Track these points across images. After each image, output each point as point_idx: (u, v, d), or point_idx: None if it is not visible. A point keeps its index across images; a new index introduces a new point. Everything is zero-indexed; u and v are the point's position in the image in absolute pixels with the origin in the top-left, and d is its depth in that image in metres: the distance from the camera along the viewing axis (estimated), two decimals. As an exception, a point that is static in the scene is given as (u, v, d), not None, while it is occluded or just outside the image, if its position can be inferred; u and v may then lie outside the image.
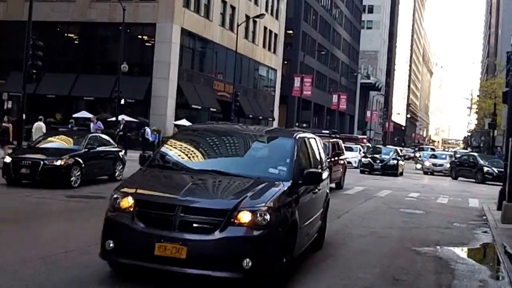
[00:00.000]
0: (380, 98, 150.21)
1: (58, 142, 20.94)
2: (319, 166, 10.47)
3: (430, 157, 52.11)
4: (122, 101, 44.90)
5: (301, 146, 9.40)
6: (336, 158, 24.55)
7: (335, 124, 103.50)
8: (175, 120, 50.23)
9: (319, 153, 10.91)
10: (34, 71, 28.80)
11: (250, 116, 66.42)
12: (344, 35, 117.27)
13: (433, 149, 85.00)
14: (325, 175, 10.88)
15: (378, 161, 40.76)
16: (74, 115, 49.54)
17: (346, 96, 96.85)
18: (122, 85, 44.96)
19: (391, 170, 40.25)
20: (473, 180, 38.57)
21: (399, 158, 43.63)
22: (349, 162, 38.90)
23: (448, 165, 46.60)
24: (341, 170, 25.34)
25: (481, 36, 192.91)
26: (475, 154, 47.93)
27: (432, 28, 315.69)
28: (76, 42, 53.62)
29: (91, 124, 37.32)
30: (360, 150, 50.13)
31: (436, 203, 22.44)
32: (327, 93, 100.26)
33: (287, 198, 8.05)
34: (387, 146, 67.12)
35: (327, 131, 63.23)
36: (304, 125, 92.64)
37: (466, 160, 43.59)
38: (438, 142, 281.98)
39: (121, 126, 39.52)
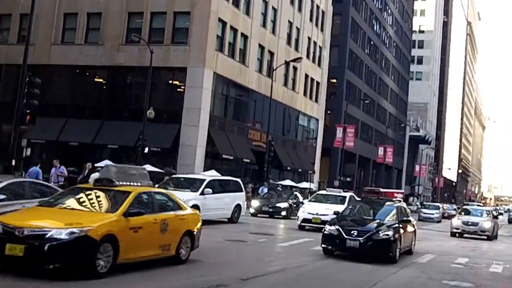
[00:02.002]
0: (430, 152, 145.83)
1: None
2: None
3: (460, 213, 39.88)
4: (146, 150, 42.44)
5: None
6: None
7: (381, 178, 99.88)
8: (204, 171, 47.38)
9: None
10: (28, 110, 25.77)
11: (289, 168, 63.28)
12: (392, 86, 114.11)
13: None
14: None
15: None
16: (97, 164, 47.18)
17: (392, 148, 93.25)
18: (148, 133, 42.78)
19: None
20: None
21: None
22: None
23: (488, 224, 35.73)
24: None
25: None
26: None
27: (484, 82, 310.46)
28: (103, 87, 51.43)
29: (52, 170, 34.25)
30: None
31: (489, 272, 18.82)
32: (373, 146, 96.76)
33: None
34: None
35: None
36: (348, 179, 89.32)
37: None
38: (491, 199, 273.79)
39: (86, 172, 36.25)
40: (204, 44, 47.27)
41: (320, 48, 73.17)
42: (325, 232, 19.01)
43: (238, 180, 32.64)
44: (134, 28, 48.97)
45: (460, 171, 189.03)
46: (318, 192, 38.98)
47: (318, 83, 73.01)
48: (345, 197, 31.28)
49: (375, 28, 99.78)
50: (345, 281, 14.79)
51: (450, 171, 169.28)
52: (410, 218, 22.00)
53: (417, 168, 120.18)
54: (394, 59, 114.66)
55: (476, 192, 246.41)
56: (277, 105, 60.44)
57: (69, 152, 49.19)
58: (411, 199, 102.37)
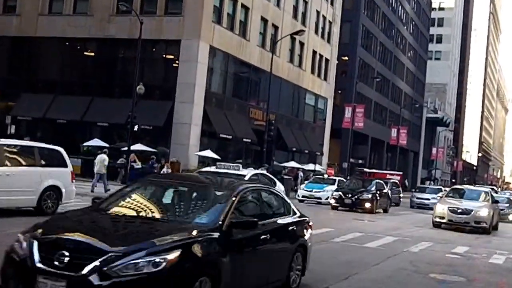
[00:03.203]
0: (448, 134, 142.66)
1: None
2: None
3: (447, 196, 29.99)
4: (136, 128, 40.28)
5: None
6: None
7: (396, 161, 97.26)
8: (200, 151, 45.33)
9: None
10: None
11: (294, 149, 60.93)
12: (408, 65, 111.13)
13: (494, 190, 58.92)
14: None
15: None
16: (85, 144, 45.31)
17: (406, 130, 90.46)
18: (139, 110, 40.63)
19: None
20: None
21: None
22: None
23: (485, 212, 26.47)
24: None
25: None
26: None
27: (508, 63, 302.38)
28: (93, 61, 49.20)
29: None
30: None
31: (488, 263, 16.51)
32: (387, 127, 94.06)
33: None
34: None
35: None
36: (360, 161, 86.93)
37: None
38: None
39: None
40: (199, 15, 44.98)
41: (330, 23, 70.51)
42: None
43: (59, 149, 19.77)
44: (126, -3, 46.70)
45: (480, 154, 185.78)
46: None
47: (327, 60, 70.46)
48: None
49: (391, 4, 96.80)
50: (322, 274, 12.59)
51: (470, 154, 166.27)
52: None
53: (434, 151, 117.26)
54: (411, 37, 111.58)
55: (498, 176, 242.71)
56: (282, 83, 58.11)
57: (57, 130, 47.37)
58: (427, 183, 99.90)
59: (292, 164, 56.94)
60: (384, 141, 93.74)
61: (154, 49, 47.39)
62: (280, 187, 24.85)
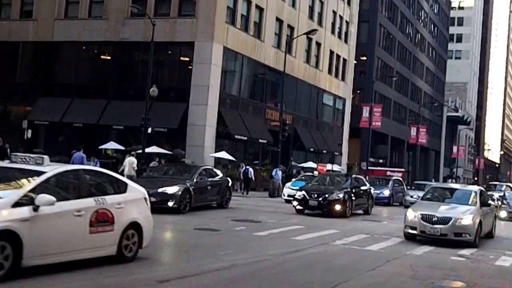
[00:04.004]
0: (469, 133, 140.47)
1: None
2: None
3: (423, 199, 21.63)
4: (149, 130, 39.51)
5: None
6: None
7: (417, 160, 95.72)
8: (215, 152, 44.44)
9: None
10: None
11: (311, 149, 59.78)
12: (428, 64, 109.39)
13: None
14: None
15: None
16: (101, 147, 44.58)
17: (425, 128, 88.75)
18: (154, 112, 40.14)
19: None
20: None
21: None
22: None
23: (468, 220, 18.75)
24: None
25: None
26: None
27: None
28: (108, 64, 48.46)
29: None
30: None
31: (493, 266, 15.34)
32: (407, 126, 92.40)
33: None
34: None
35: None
36: (381, 161, 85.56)
37: None
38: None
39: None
40: (212, 16, 44.04)
41: (347, 23, 69.26)
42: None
43: None
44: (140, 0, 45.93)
45: (502, 152, 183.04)
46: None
47: (345, 60, 69.21)
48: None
49: (409, 4, 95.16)
50: (308, 281, 11.60)
51: (492, 152, 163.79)
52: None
53: (454, 149, 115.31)
54: (430, 36, 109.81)
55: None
56: (298, 83, 57.14)
57: (74, 133, 46.88)
58: (449, 181, 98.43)
59: (310, 164, 55.79)
60: (405, 140, 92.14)
61: (168, 52, 46.63)
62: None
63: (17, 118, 47.94)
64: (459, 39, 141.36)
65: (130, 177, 30.09)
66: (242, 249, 15.12)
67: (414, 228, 18.98)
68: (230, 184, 28.29)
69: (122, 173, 34.62)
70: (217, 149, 45.00)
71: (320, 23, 61.16)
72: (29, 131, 44.70)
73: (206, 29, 44.03)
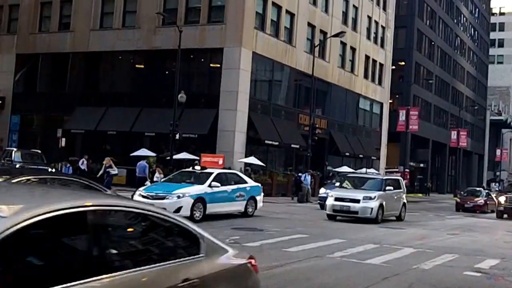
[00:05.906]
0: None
1: None
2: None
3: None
4: (177, 136, 37.79)
5: None
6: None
7: (459, 164, 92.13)
8: (245, 157, 42.36)
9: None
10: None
11: (347, 154, 57.20)
12: (469, 68, 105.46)
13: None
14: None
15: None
16: (132, 154, 42.91)
17: (466, 132, 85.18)
18: (185, 119, 38.82)
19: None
20: None
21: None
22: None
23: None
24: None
25: None
26: None
27: None
28: (140, 72, 47.02)
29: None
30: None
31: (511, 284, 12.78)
32: (448, 130, 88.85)
33: None
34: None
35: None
36: (422, 165, 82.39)
37: None
38: None
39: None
40: (240, 22, 42.15)
41: (383, 28, 66.57)
42: None
43: None
44: (170, 8, 44.36)
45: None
46: None
47: (381, 65, 66.47)
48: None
49: (448, 9, 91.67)
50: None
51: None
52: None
53: (498, 152, 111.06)
54: (470, 41, 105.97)
55: None
56: (332, 88, 54.79)
57: (107, 141, 45.57)
58: (492, 184, 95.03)
59: (344, 169, 53.24)
60: (447, 144, 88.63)
61: (199, 59, 44.92)
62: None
63: (56, 127, 46.87)
64: (501, 44, 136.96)
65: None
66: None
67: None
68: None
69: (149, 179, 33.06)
70: (247, 155, 42.95)
71: (354, 28, 58.73)
72: (63, 139, 43.49)
73: (234, 35, 42.21)
